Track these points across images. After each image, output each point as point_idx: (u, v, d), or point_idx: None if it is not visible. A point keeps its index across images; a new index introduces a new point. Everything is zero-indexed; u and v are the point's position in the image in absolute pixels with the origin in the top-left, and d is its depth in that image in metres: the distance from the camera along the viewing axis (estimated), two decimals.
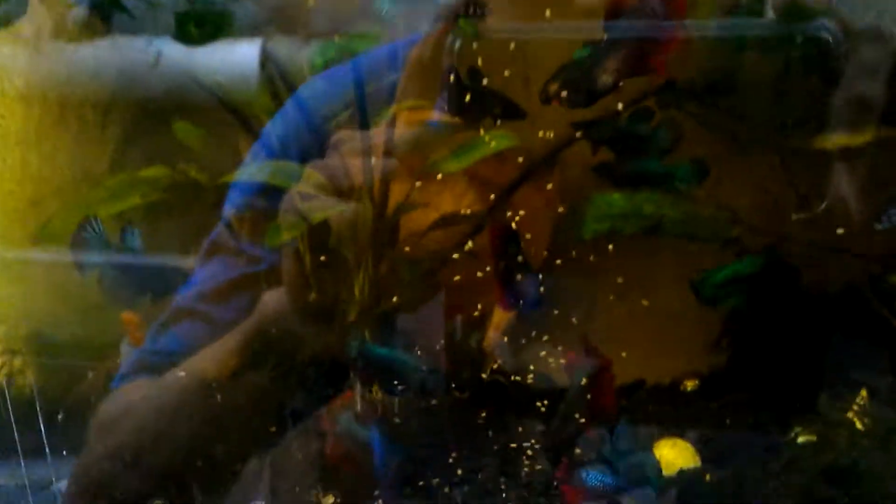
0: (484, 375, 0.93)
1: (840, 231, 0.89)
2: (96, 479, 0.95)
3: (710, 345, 1.01)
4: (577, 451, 0.83)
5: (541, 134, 0.93)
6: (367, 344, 0.88)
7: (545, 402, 0.93)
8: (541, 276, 0.89)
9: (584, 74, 0.82)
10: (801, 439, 0.77)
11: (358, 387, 0.88)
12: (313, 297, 0.89)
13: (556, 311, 0.98)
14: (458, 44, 0.89)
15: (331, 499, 0.84)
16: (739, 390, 0.94)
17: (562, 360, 0.93)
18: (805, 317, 0.93)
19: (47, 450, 1.03)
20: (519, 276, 0.88)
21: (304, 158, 0.91)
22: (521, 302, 0.88)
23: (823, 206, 0.88)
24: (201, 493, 0.90)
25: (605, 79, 0.80)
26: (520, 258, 0.86)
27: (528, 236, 0.90)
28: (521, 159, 0.94)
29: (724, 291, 0.89)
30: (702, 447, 0.83)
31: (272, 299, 0.92)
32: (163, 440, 0.92)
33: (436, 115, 0.92)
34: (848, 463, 0.70)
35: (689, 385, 1.02)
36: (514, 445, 0.88)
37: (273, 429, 0.96)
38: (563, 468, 0.79)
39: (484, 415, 0.88)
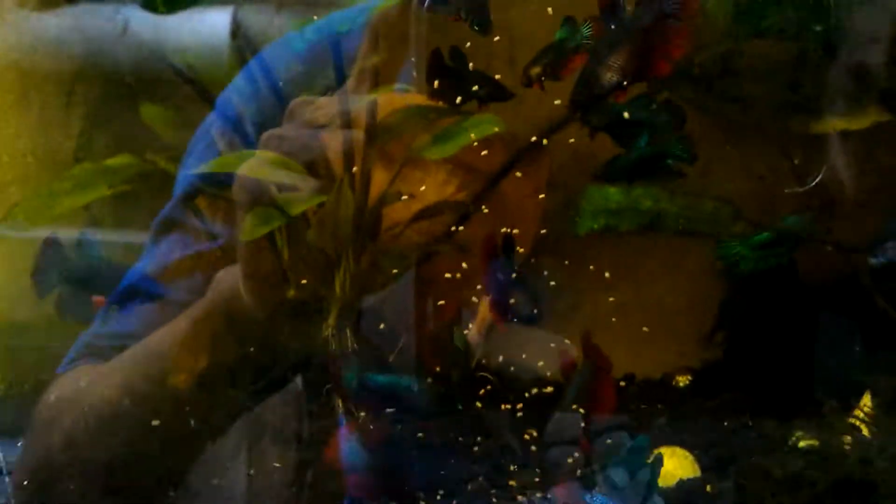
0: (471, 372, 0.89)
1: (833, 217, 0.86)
2: (38, 472, 0.90)
3: (703, 339, 0.98)
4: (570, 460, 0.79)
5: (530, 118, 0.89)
6: (366, 374, 0.84)
7: (534, 398, 0.89)
8: (536, 290, 0.84)
9: (586, 78, 0.77)
10: (802, 444, 0.74)
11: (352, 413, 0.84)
12: (291, 293, 0.84)
13: (541, 305, 0.94)
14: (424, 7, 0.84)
15: None
16: (734, 388, 0.91)
17: (554, 359, 0.89)
18: (803, 312, 0.89)
19: None
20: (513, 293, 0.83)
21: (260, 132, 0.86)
22: (515, 318, 0.84)
23: (817, 179, 0.85)
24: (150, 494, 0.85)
25: (610, 77, 0.76)
26: (514, 274, 0.82)
27: (515, 231, 0.86)
28: (508, 145, 0.90)
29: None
30: (701, 455, 0.79)
31: (226, 280, 0.87)
32: (106, 434, 0.87)
33: (407, 94, 0.87)
34: (860, 476, 0.67)
35: (682, 380, 0.99)
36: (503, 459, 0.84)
37: (229, 419, 0.92)
38: (566, 490, 0.76)
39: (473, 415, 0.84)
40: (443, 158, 0.87)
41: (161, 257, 0.97)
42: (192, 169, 0.96)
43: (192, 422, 0.88)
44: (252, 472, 0.94)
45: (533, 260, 0.93)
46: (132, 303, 0.97)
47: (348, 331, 0.91)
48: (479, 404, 0.87)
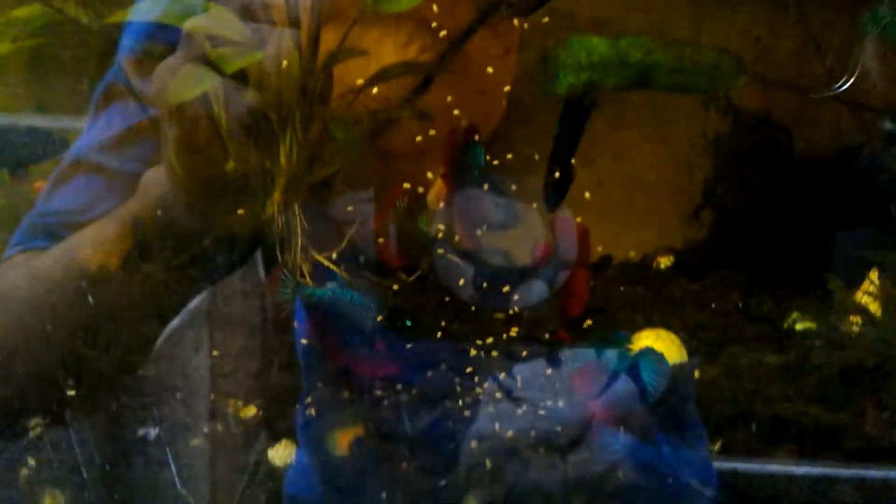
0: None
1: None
2: None
3: (688, 217, 0.90)
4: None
5: None
6: (303, 288, 0.74)
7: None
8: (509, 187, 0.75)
9: None
10: (798, 326, 0.67)
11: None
12: (230, 166, 0.75)
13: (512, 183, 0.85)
14: None
15: (252, 409, 0.73)
16: (722, 268, 0.83)
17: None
18: (801, 185, 0.81)
19: None
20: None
21: None
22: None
23: (847, 84, 0.76)
24: (82, 401, 0.77)
25: None
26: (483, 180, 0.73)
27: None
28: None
29: None
30: (688, 339, 0.72)
31: (155, 183, 0.77)
32: (31, 340, 0.79)
33: None
34: (871, 360, 0.60)
35: (663, 262, 0.91)
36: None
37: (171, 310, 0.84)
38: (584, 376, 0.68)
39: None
40: (403, 14, 0.77)
41: (106, 126, 0.89)
42: (134, 30, 0.87)
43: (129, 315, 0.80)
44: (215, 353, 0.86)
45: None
46: (76, 178, 0.90)
47: (296, 208, 0.81)
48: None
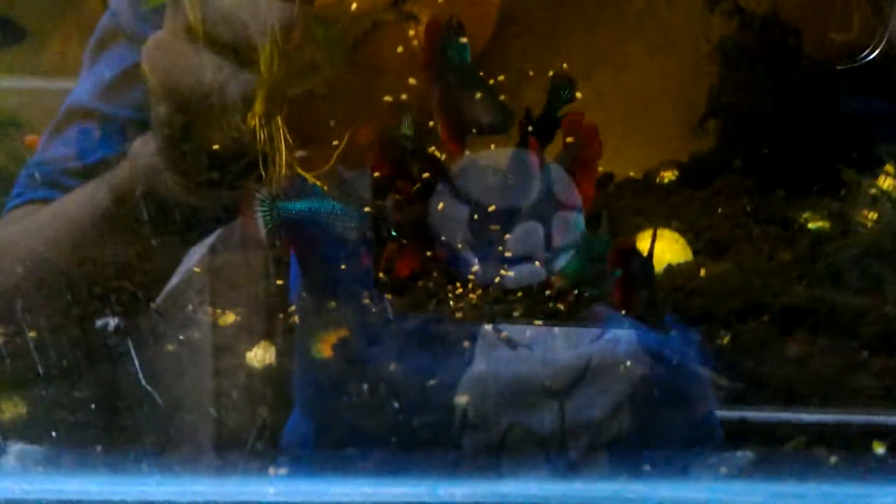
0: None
1: None
2: None
3: (692, 128, 0.86)
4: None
5: None
6: (279, 205, 0.70)
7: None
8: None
9: None
10: (811, 225, 0.63)
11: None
12: (210, 79, 0.71)
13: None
14: None
15: (231, 317, 0.69)
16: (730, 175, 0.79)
17: None
18: (811, 85, 0.77)
19: None
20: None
21: None
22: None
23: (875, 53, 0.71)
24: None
25: None
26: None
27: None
28: None
29: None
30: (694, 238, 0.68)
31: (144, 152, 0.76)
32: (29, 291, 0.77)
33: None
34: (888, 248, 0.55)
35: (667, 176, 0.87)
36: None
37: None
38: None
39: None
40: None
41: (102, 72, 0.88)
42: None
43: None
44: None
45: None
46: (73, 125, 0.89)
47: (279, 120, 0.77)
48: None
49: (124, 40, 0.87)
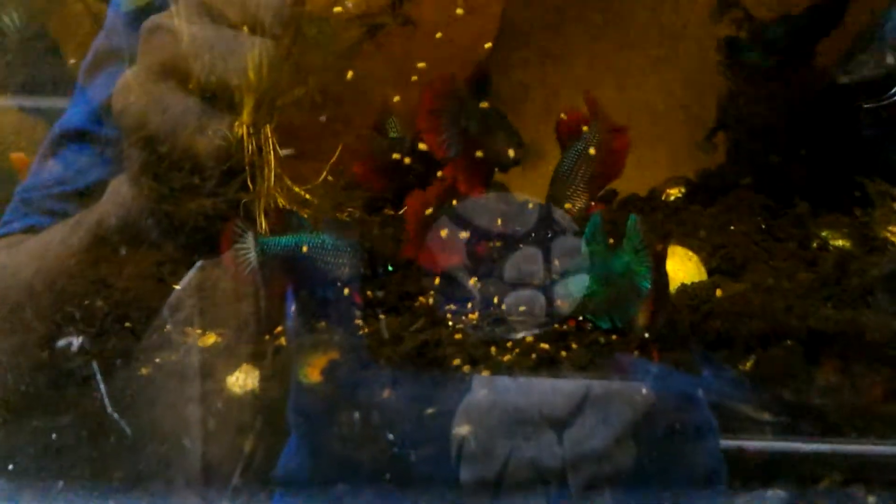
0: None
1: None
2: None
3: (700, 142, 0.82)
4: None
5: None
6: (265, 239, 0.67)
7: None
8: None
9: None
10: (835, 243, 0.59)
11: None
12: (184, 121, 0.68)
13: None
14: None
15: (211, 338, 0.65)
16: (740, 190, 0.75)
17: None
18: (826, 96, 0.73)
19: None
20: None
21: None
22: None
23: None
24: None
25: None
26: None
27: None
28: None
29: None
30: (707, 256, 0.64)
31: (121, 192, 0.73)
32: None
33: None
34: None
35: (674, 193, 0.83)
36: None
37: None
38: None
39: None
40: None
41: (93, 94, 0.87)
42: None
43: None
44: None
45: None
46: (64, 149, 0.87)
47: (268, 129, 0.74)
48: None
49: (119, 61, 0.85)
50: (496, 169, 0.74)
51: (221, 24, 0.67)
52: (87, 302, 0.71)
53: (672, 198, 0.83)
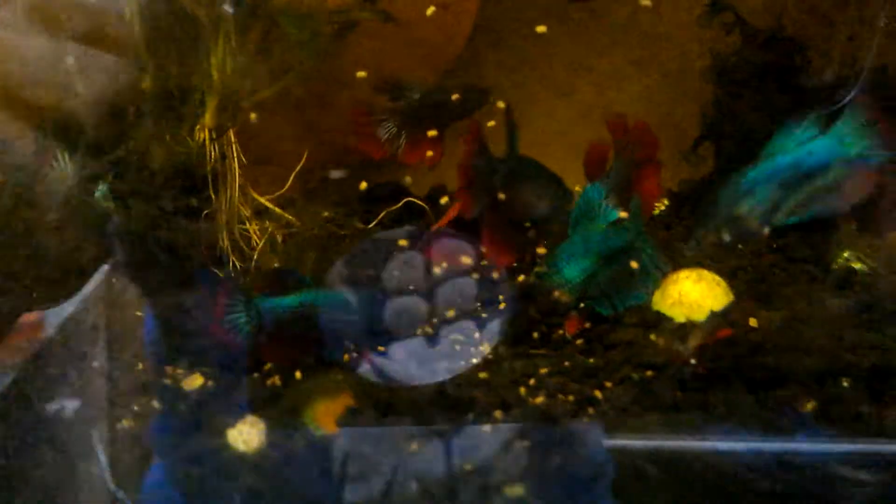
0: None
1: None
2: None
3: (683, 154, 0.78)
4: None
5: None
6: (259, 302, 0.59)
7: None
8: None
9: None
10: (856, 265, 0.55)
11: None
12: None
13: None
14: None
15: (199, 380, 0.57)
16: None
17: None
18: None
19: None
20: None
21: None
22: None
23: None
24: None
25: None
26: None
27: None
28: None
29: None
30: (733, 279, 0.59)
31: None
32: None
33: None
34: None
35: (657, 207, 0.79)
36: None
37: None
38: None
39: None
40: None
41: None
42: None
43: None
44: None
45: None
46: None
47: (231, 135, 0.66)
48: None
49: None
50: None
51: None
52: None
53: (655, 212, 0.79)
